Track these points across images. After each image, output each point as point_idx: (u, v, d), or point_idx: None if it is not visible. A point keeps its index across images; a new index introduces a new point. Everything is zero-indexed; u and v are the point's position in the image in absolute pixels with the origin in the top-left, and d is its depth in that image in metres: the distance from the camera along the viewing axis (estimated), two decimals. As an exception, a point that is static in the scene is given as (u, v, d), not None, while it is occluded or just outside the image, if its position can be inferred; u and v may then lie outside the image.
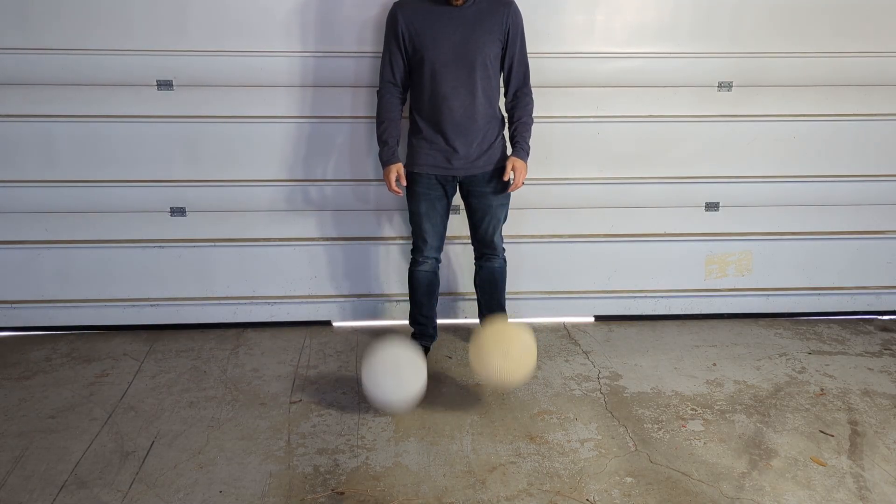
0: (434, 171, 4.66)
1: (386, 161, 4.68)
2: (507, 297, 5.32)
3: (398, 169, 4.67)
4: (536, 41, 5.03)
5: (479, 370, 4.39)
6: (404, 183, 4.69)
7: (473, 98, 4.56)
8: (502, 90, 4.77)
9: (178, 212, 5.35)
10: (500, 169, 4.73)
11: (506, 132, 4.84)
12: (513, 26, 4.60)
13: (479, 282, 5.13)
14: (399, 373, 4.28)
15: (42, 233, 5.32)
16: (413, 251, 4.98)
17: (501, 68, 4.69)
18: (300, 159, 5.30)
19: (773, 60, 5.33)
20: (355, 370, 5.00)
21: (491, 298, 5.15)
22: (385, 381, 4.26)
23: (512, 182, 4.69)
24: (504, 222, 4.93)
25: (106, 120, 5.14)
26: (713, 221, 5.65)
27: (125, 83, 5.08)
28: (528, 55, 4.77)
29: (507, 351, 4.32)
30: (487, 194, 4.75)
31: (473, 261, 5.08)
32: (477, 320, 5.32)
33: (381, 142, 4.71)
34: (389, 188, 4.69)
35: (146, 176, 5.27)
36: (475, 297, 5.23)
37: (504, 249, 5.05)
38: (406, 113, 4.83)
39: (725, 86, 5.37)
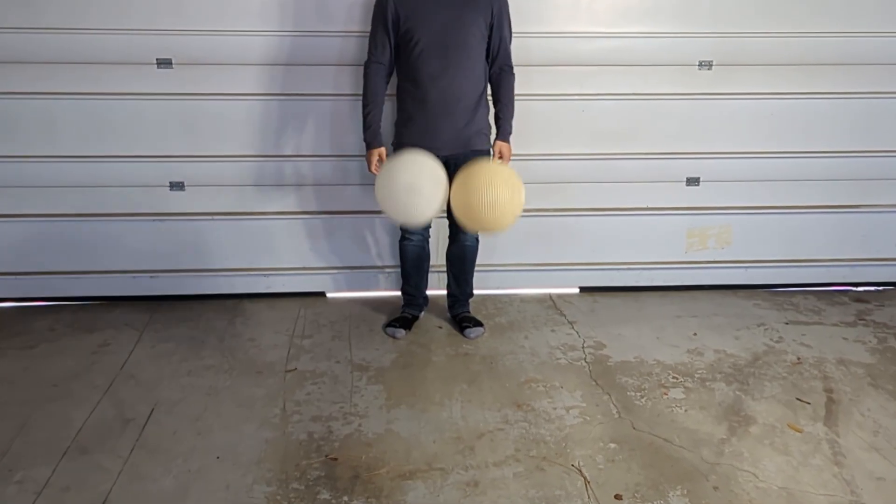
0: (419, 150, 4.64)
1: (369, 143, 4.72)
2: (495, 268, 5.34)
3: (380, 152, 4.72)
4: (522, 21, 4.97)
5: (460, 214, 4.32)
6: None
7: (460, 78, 4.53)
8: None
9: (177, 186, 5.30)
10: (485, 149, 4.74)
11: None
12: (500, 7, 4.57)
13: (449, 255, 5.13)
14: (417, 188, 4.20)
15: (44, 206, 5.27)
16: (401, 226, 4.96)
17: (487, 48, 4.66)
18: (295, 135, 5.27)
19: (752, 40, 5.30)
20: (348, 339, 4.98)
21: (459, 274, 5.16)
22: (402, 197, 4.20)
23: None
24: None
25: (107, 97, 5.10)
26: (694, 196, 5.62)
27: (126, 62, 5.03)
28: (515, 35, 4.76)
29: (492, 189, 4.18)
30: None
31: (448, 234, 5.07)
32: (444, 292, 5.32)
33: (366, 124, 4.71)
34: (369, 169, 4.73)
35: (146, 151, 5.22)
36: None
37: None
38: (392, 91, 4.81)
39: (706, 65, 5.34)
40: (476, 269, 5.18)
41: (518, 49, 4.82)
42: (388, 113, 4.86)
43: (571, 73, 5.30)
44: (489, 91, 4.79)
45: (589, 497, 3.48)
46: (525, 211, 5.27)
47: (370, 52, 4.67)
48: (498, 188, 4.12)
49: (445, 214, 4.95)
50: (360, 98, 4.76)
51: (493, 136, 4.80)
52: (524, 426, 4.03)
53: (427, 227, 4.99)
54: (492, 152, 4.78)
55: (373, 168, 4.69)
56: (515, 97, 4.79)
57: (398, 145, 4.71)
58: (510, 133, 4.78)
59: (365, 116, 4.71)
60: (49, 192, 5.24)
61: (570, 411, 4.17)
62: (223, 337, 5.02)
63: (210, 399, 4.27)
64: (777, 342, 5.01)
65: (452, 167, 4.67)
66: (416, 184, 4.15)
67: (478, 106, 4.65)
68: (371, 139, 4.71)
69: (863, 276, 5.91)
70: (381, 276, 5.68)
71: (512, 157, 4.82)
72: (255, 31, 5.03)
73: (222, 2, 4.99)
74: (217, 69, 5.10)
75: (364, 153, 4.86)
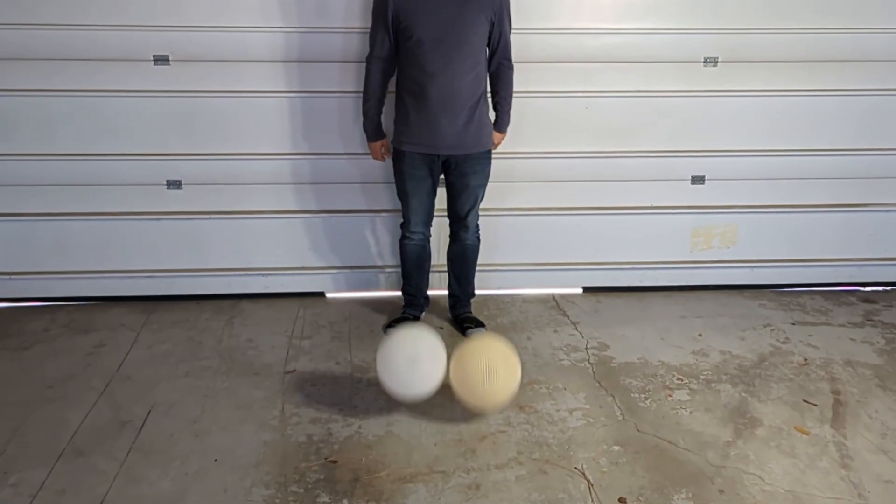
0: (419, 149, 4.64)
1: (370, 136, 4.81)
2: (497, 268, 5.33)
3: (382, 142, 4.83)
4: (525, 17, 4.98)
5: (461, 394, 4.14)
6: (389, 154, 4.84)
7: (460, 76, 4.52)
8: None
9: (174, 185, 5.30)
10: (485, 150, 4.76)
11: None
12: (500, 4, 4.57)
13: (450, 255, 5.13)
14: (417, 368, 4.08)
15: (40, 205, 5.27)
16: (402, 225, 4.98)
17: (488, 45, 4.66)
18: (293, 133, 5.26)
19: (758, 36, 5.29)
20: (348, 340, 4.98)
21: (460, 274, 5.16)
22: (403, 376, 4.08)
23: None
24: (481, 202, 4.93)
25: (103, 94, 5.09)
26: (699, 194, 5.61)
27: (122, 58, 5.02)
28: (518, 31, 4.77)
29: (492, 372, 4.02)
30: (468, 174, 4.73)
31: (448, 233, 5.07)
32: (445, 292, 5.32)
33: (366, 117, 4.76)
34: (374, 157, 4.84)
35: (143, 149, 5.21)
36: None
37: (479, 228, 5.04)
38: (392, 88, 4.81)
39: (711, 61, 5.33)
40: (478, 268, 5.18)
41: (520, 45, 4.82)
42: (388, 111, 4.85)
43: (575, 70, 5.29)
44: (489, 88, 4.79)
45: (592, 500, 3.48)
46: (528, 210, 5.33)
47: (371, 48, 4.68)
48: (497, 380, 4.01)
49: (446, 213, 4.96)
50: (362, 95, 4.77)
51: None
52: (527, 428, 4.02)
53: (428, 226, 4.99)
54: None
55: (379, 155, 4.77)
56: (518, 94, 4.81)
57: (398, 143, 4.71)
58: (507, 125, 4.84)
59: (366, 111, 4.75)
60: (44, 190, 5.24)
61: (574, 413, 4.17)
62: (221, 338, 5.01)
63: (208, 401, 4.26)
64: (783, 343, 5.01)
65: (453, 167, 4.68)
66: (416, 356, 4.07)
67: (478, 104, 4.64)
68: (372, 131, 4.78)
69: (870, 275, 5.90)
70: (382, 275, 5.67)
71: (514, 156, 4.82)
72: (254, 27, 5.02)
73: (220, -3, 5.00)
74: (215, 66, 5.09)
75: (365, 151, 4.86)
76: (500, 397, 4.05)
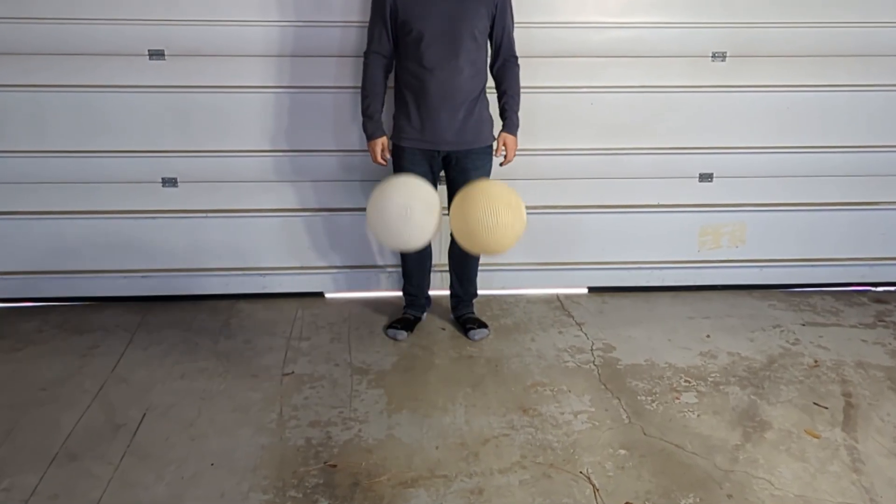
0: (419, 145, 4.64)
1: (370, 135, 4.74)
2: (500, 268, 5.34)
3: (383, 142, 4.75)
4: (528, 11, 4.98)
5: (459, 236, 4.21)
6: (388, 155, 4.77)
7: (460, 71, 4.53)
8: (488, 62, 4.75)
9: (169, 182, 5.29)
10: (485, 146, 4.75)
11: (491, 106, 4.83)
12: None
13: (452, 254, 5.13)
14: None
15: (32, 203, 5.26)
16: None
17: (489, 40, 4.65)
18: (292, 129, 5.25)
19: (767, 31, 5.28)
20: (348, 342, 4.98)
21: (462, 273, 5.17)
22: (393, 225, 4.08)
23: (504, 158, 4.71)
24: None
25: (97, 90, 5.08)
26: (707, 192, 5.61)
27: (116, 53, 5.02)
28: (521, 25, 4.76)
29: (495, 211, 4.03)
30: (469, 170, 4.72)
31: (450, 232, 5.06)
32: (447, 292, 5.32)
33: (366, 115, 4.73)
34: (374, 160, 4.74)
35: (138, 146, 5.21)
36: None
37: None
38: (391, 84, 4.82)
39: (719, 56, 5.32)
40: (480, 268, 5.19)
41: (523, 40, 4.81)
42: (387, 106, 4.85)
43: (580, 65, 5.28)
44: (490, 84, 4.78)
45: (598, 505, 3.49)
46: (532, 208, 5.26)
47: (369, 43, 4.67)
48: (499, 211, 4.03)
49: (447, 213, 4.95)
50: (360, 91, 4.76)
51: (496, 130, 4.79)
52: (530, 432, 4.02)
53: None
54: (495, 145, 4.79)
55: (378, 158, 4.71)
56: (522, 90, 4.79)
57: (398, 139, 4.71)
58: (517, 126, 4.77)
59: (365, 108, 4.72)
60: (36, 188, 5.23)
61: (579, 416, 4.17)
62: (217, 339, 5.01)
63: (204, 403, 4.26)
64: (793, 344, 5.00)
65: (454, 163, 4.68)
66: (410, 206, 4.07)
67: (479, 99, 4.64)
68: (372, 130, 4.73)
69: (882, 275, 5.90)
70: (382, 275, 5.67)
71: (518, 153, 4.81)
72: (250, 20, 5.01)
73: (216, -9, 4.99)
74: (211, 61, 5.09)
75: (364, 147, 4.86)
76: (504, 247, 4.11)
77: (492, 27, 4.61)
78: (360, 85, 4.77)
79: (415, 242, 4.16)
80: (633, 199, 5.59)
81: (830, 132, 5.53)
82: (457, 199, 4.18)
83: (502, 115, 4.76)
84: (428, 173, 4.72)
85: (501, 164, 4.78)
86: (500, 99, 4.78)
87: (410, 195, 4.08)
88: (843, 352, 4.91)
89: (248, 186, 5.35)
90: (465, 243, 4.20)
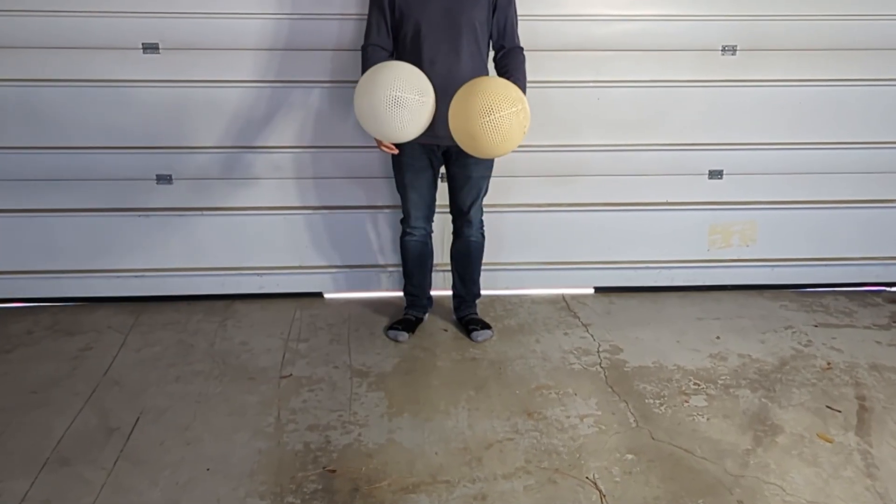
0: (418, 139, 4.61)
1: None
2: (504, 267, 5.33)
3: None
4: (532, 3, 4.98)
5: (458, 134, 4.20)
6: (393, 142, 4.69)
7: (459, 63, 4.51)
8: (491, 53, 4.74)
9: (164, 179, 5.30)
10: None
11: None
12: None
13: (453, 253, 5.12)
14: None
15: (23, 200, 5.27)
16: (402, 221, 4.98)
17: (491, 32, 4.65)
18: (289, 124, 5.25)
19: (779, 23, 5.27)
20: (347, 343, 4.98)
21: (464, 273, 5.15)
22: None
23: None
24: (484, 196, 4.91)
25: (90, 84, 5.08)
26: (717, 190, 5.60)
27: (110, 46, 5.02)
28: (524, 18, 4.74)
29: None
30: (470, 165, 4.71)
31: (451, 231, 5.07)
32: (449, 292, 5.32)
33: None
34: (380, 147, 4.64)
35: (131, 142, 5.21)
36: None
37: (483, 224, 5.02)
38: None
39: (729, 49, 5.32)
40: (483, 267, 5.17)
41: (527, 33, 4.79)
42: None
43: (585, 59, 5.28)
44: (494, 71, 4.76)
45: (605, 512, 3.49)
46: (536, 206, 5.31)
47: (367, 35, 4.66)
48: (501, 108, 3.99)
49: (449, 209, 4.95)
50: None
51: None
52: (535, 436, 4.02)
53: (430, 222, 4.98)
54: None
55: (385, 145, 4.62)
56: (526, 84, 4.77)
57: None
58: None
59: None
60: (27, 185, 5.23)
61: (585, 420, 4.17)
62: (213, 340, 5.01)
63: (199, 407, 4.26)
64: (805, 346, 5.00)
65: (454, 157, 4.68)
66: (402, 97, 4.07)
67: None
68: None
69: (897, 275, 5.90)
70: (383, 275, 5.67)
71: (522, 149, 4.79)
72: (247, 13, 5.01)
73: (212, -18, 4.99)
74: (207, 54, 5.09)
75: (364, 143, 4.86)
76: (508, 147, 4.12)
77: (493, 18, 4.60)
78: (358, 79, 4.74)
79: (407, 134, 4.19)
80: (640, 196, 5.58)
81: (844, 128, 5.52)
82: (457, 97, 4.17)
83: None
84: (427, 168, 4.73)
85: None
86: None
87: (402, 83, 4.09)
88: (856, 354, 4.91)
89: (244, 183, 5.35)
90: (467, 146, 4.21)
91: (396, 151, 4.62)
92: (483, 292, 5.28)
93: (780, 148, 5.52)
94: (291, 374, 4.61)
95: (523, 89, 4.60)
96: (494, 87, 4.08)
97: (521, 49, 4.73)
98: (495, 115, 3.96)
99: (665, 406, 4.30)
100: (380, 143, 4.60)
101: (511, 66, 4.66)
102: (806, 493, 3.60)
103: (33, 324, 5.21)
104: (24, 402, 4.28)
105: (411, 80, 4.13)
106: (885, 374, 4.65)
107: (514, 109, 4.00)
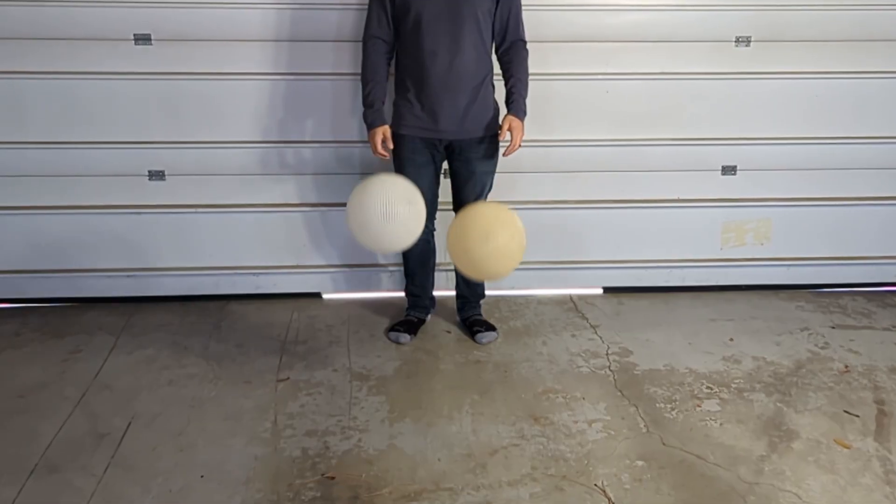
0: (420, 133, 4.63)
1: (371, 123, 4.68)
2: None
3: (384, 131, 4.67)
4: (541, -7, 4.99)
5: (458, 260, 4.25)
6: (390, 145, 4.69)
7: (462, 55, 4.52)
8: (494, 45, 4.74)
9: (156, 175, 5.30)
10: (491, 135, 4.73)
11: (498, 94, 4.80)
12: None
13: None
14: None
15: (10, 198, 5.27)
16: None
17: (493, 24, 4.65)
18: (286, 119, 5.26)
19: (795, 14, 5.27)
20: (347, 345, 4.98)
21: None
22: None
23: (508, 143, 4.65)
24: (489, 192, 4.91)
25: (79, 77, 5.08)
26: (730, 186, 5.60)
27: (100, 37, 5.02)
28: (530, 8, 4.75)
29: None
30: (473, 160, 4.72)
31: None
32: (453, 293, 5.32)
33: (367, 103, 4.69)
34: (375, 151, 4.69)
35: (123, 137, 5.21)
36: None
37: None
38: (393, 71, 4.81)
39: (743, 41, 5.32)
40: (488, 267, 5.17)
41: (533, 24, 4.79)
42: (389, 95, 4.83)
43: (595, 50, 5.28)
44: (496, 71, 4.77)
45: (614, 520, 3.49)
46: (542, 203, 5.30)
47: (367, 27, 4.67)
48: (498, 238, 4.08)
49: (451, 207, 4.94)
50: (361, 78, 4.75)
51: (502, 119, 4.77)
52: (542, 442, 4.02)
53: (432, 219, 4.97)
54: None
55: (378, 150, 4.66)
56: (531, 76, 4.75)
57: (397, 126, 4.70)
58: (524, 111, 4.69)
59: (365, 95, 4.68)
60: (14, 181, 5.24)
61: (593, 425, 4.17)
62: (208, 343, 5.01)
63: (193, 411, 4.26)
64: (822, 348, 5.00)
65: (457, 152, 4.68)
66: (391, 211, 4.07)
67: (482, 85, 4.63)
68: (373, 118, 4.67)
69: (918, 275, 5.90)
70: (384, 275, 5.67)
71: (528, 144, 4.80)
72: (243, 3, 5.01)
73: (206, -29, 4.99)
74: (201, 46, 5.09)
75: (365, 138, 4.85)
76: (505, 272, 4.26)
77: (497, 8, 4.60)
78: (359, 71, 4.76)
79: (398, 244, 4.20)
80: (651, 193, 5.58)
81: (863, 122, 5.52)
82: (453, 225, 4.23)
83: (508, 98, 4.70)
84: (429, 163, 4.73)
85: (505, 154, 4.69)
86: (506, 83, 4.74)
87: (391, 195, 4.08)
88: (875, 356, 4.91)
89: (240, 180, 5.35)
90: (465, 271, 4.33)
91: (388, 157, 4.69)
92: (487, 292, 5.29)
93: (795, 143, 5.52)
94: (289, 378, 4.61)
95: (525, 88, 4.65)
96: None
97: (525, 43, 4.73)
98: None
99: (676, 411, 4.30)
100: (374, 148, 4.62)
101: (513, 63, 4.70)
102: (823, 501, 3.59)
103: (21, 325, 5.21)
104: (11, 407, 4.28)
105: (397, 191, 4.15)
106: (904, 378, 4.66)
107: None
